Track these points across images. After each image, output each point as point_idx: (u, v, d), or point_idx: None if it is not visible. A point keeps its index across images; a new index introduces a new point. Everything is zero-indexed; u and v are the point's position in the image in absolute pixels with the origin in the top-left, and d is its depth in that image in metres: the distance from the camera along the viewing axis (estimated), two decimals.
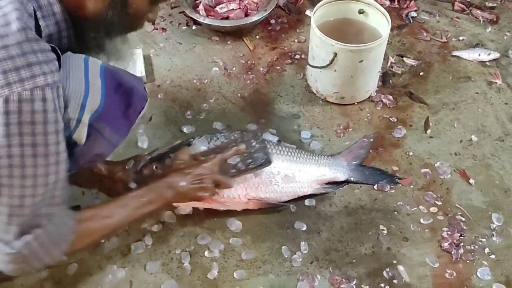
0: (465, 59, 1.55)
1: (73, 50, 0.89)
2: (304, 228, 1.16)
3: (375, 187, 1.22)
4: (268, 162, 1.10)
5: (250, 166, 1.09)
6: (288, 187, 1.15)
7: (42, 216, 0.82)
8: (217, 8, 1.64)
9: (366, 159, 1.28)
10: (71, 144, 0.84)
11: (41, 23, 0.81)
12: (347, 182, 1.22)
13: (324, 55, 1.31)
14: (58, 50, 0.80)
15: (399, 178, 1.24)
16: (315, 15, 1.35)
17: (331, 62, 1.30)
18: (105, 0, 0.84)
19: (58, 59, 0.79)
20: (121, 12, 0.87)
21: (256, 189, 1.13)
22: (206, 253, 1.11)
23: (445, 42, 1.61)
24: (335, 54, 1.28)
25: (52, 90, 0.74)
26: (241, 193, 1.12)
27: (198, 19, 1.57)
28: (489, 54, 1.53)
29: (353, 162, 1.24)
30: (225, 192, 1.10)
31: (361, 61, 1.30)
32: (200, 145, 1.15)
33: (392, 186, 1.22)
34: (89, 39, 0.88)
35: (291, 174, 1.15)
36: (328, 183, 1.21)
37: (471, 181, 1.25)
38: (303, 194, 1.18)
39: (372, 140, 1.29)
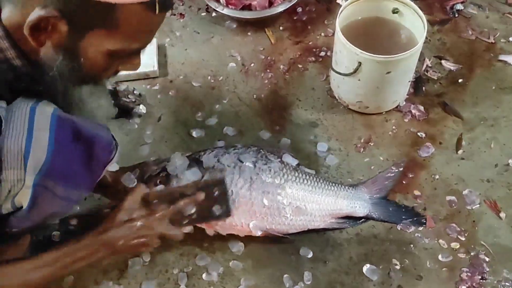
0: None
1: (36, 93, 0.81)
2: (310, 255, 1.08)
3: (398, 226, 1.10)
4: (227, 214, 1.01)
5: (206, 218, 1.01)
6: (297, 220, 1.06)
7: None
8: None
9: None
10: (14, 208, 0.78)
11: None
12: (366, 218, 1.11)
13: (347, 62, 1.18)
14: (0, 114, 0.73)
15: (426, 220, 1.10)
16: (341, 16, 1.20)
17: (355, 71, 1.17)
18: (50, 50, 0.74)
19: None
20: (69, 66, 0.76)
21: (262, 220, 1.05)
22: (204, 275, 1.07)
23: (492, 43, 1.42)
24: (360, 64, 1.15)
25: None
26: (244, 221, 1.05)
27: (217, 8, 1.45)
28: None
29: (376, 196, 1.12)
30: (227, 219, 1.04)
31: (388, 73, 1.16)
32: (208, 161, 1.08)
33: (416, 227, 1.10)
34: (45, 86, 0.79)
35: (303, 206, 1.06)
36: (345, 217, 1.11)
37: (502, 214, 1.12)
38: (314, 228, 1.09)
39: (401, 169, 1.15)
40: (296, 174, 1.09)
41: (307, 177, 1.10)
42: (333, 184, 1.11)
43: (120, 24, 0.72)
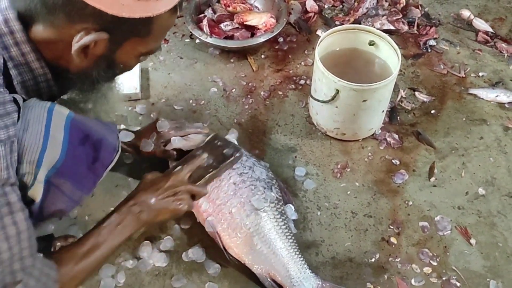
0: (482, 98, 1.44)
1: (53, 93, 0.86)
2: None
3: None
4: (239, 154, 1.08)
5: (223, 161, 1.06)
6: (243, 246, 1.05)
7: (17, 272, 0.76)
8: (222, 26, 1.55)
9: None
10: (27, 201, 0.79)
11: (12, 72, 0.79)
12: None
13: (326, 90, 1.22)
14: (19, 101, 0.76)
15: None
16: (320, 45, 1.25)
17: (333, 98, 1.21)
18: (90, 61, 0.80)
19: (20, 109, 0.76)
20: (107, 71, 0.83)
21: (219, 221, 1.06)
22: None
23: (463, 77, 1.50)
24: (337, 91, 1.19)
25: (5, 146, 0.70)
26: (207, 210, 1.08)
27: (200, 37, 1.49)
28: (509, 96, 1.41)
29: None
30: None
31: (364, 101, 1.20)
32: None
33: None
34: (72, 88, 0.86)
35: (256, 241, 1.04)
36: (277, 285, 1.03)
37: (472, 241, 1.15)
38: (249, 268, 1.05)
39: None
40: (279, 216, 1.07)
41: (285, 227, 1.06)
42: (300, 254, 1.05)
43: (152, 31, 0.81)
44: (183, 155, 1.11)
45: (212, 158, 1.07)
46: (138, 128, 1.23)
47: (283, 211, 1.09)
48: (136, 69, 1.46)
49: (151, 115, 1.39)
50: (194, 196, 1.02)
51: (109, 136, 0.93)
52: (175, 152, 1.16)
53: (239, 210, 1.07)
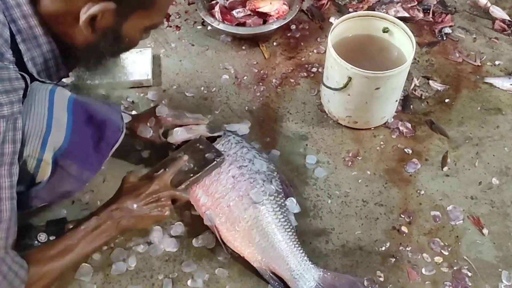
0: (498, 87, 1.41)
1: (60, 73, 0.86)
2: None
3: None
4: (221, 159, 1.08)
5: (205, 168, 1.06)
6: (242, 241, 1.04)
7: None
8: (234, 12, 1.54)
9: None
10: (31, 183, 0.79)
11: (21, 47, 0.78)
12: None
13: (338, 77, 1.21)
14: (27, 79, 0.75)
15: None
16: (333, 33, 1.24)
17: (345, 86, 1.20)
18: (96, 34, 0.79)
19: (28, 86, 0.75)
20: (113, 44, 0.83)
21: (217, 215, 1.05)
22: (189, 282, 1.06)
23: (478, 65, 1.47)
24: (350, 79, 1.18)
25: (7, 122, 0.70)
26: (206, 204, 1.07)
27: (212, 24, 1.48)
28: None
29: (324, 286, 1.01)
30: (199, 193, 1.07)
31: (377, 88, 1.19)
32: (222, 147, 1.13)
33: None
34: (78, 65, 0.85)
35: (255, 235, 1.03)
36: (277, 278, 1.02)
37: (485, 231, 1.14)
38: (249, 261, 1.04)
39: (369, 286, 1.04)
40: (278, 209, 1.05)
41: (285, 220, 1.05)
42: (299, 247, 1.03)
43: (156, 2, 0.81)
44: (180, 144, 1.12)
45: (193, 162, 1.08)
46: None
47: (282, 204, 1.08)
48: (148, 55, 1.46)
49: (163, 102, 1.38)
50: (174, 201, 1.02)
51: (113, 116, 0.94)
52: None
53: (237, 203, 1.05)
